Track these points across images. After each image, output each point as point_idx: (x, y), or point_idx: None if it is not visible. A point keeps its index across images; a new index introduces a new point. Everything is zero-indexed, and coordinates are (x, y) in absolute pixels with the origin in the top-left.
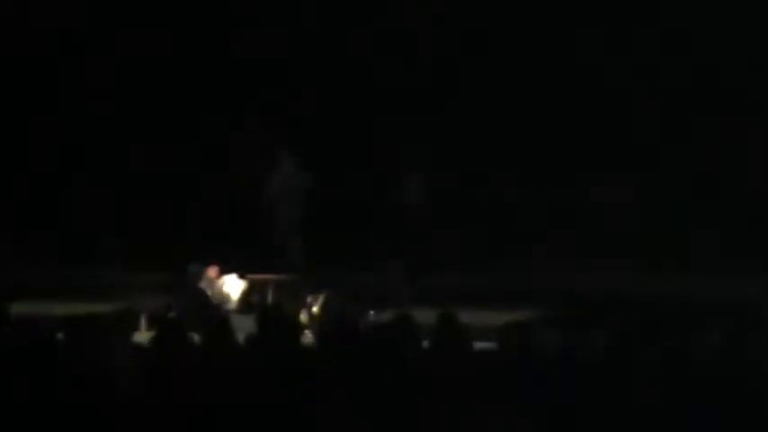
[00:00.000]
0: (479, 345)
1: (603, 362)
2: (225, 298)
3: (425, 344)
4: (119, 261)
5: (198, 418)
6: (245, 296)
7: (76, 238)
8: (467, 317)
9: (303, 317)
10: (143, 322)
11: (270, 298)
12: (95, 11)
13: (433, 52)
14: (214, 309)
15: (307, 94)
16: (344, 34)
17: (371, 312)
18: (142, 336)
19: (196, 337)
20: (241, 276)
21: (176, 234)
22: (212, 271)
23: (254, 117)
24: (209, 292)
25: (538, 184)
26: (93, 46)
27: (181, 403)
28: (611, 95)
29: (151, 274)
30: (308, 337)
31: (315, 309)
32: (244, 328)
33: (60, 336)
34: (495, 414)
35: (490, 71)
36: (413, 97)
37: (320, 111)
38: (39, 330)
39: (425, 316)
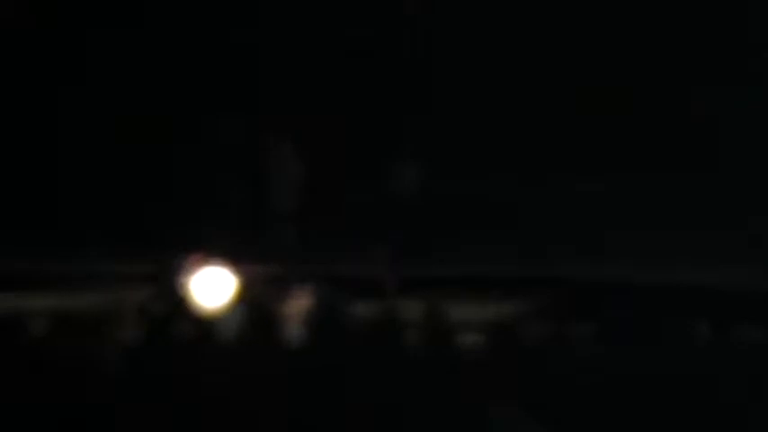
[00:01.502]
0: (466, 338)
1: (593, 353)
2: (210, 291)
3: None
4: (103, 251)
5: (184, 411)
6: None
7: (58, 228)
8: (453, 310)
9: (290, 310)
10: (129, 316)
11: (257, 290)
12: (96, 8)
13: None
14: (199, 303)
15: (299, 85)
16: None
17: (359, 306)
18: (127, 330)
19: (181, 331)
20: (228, 269)
21: (161, 223)
22: (197, 262)
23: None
24: (192, 285)
25: (525, 174)
26: (91, 43)
27: (167, 397)
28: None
29: (136, 265)
30: (294, 330)
31: (302, 302)
32: (230, 321)
33: (44, 330)
34: (483, 407)
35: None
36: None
37: (316, 100)
38: (21, 326)
39: (412, 309)
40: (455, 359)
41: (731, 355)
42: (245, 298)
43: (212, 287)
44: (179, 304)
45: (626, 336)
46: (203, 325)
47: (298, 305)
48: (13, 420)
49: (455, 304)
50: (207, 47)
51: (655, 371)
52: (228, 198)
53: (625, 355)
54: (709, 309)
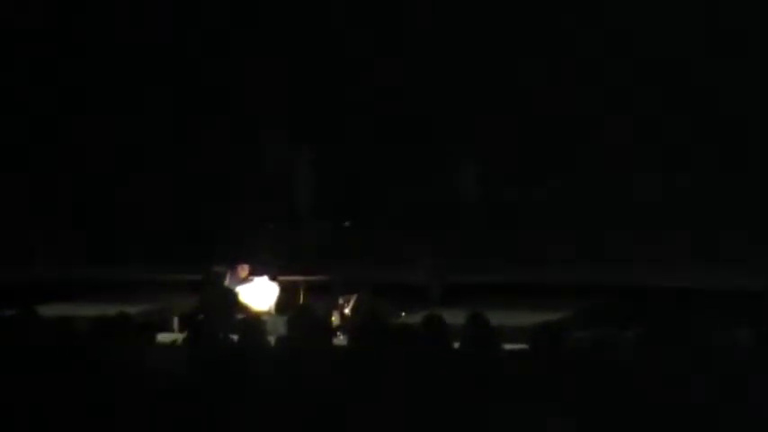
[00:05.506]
0: (510, 346)
1: (634, 360)
2: (257, 300)
3: (456, 345)
4: (148, 260)
5: (229, 418)
6: (279, 298)
7: (105, 239)
8: (497, 317)
9: (335, 318)
10: (175, 323)
11: (301, 299)
12: (99, 9)
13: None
14: (244, 309)
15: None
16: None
17: (403, 313)
18: (174, 337)
19: (227, 339)
20: (273, 278)
21: (207, 233)
22: (242, 270)
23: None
24: (239, 293)
25: (559, 181)
26: (96, 45)
27: (212, 404)
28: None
29: (181, 274)
30: (340, 338)
31: (347, 310)
32: (275, 329)
33: (93, 337)
34: (525, 416)
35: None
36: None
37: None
38: (71, 332)
39: (455, 316)
40: (495, 368)
41: None
42: (290, 305)
43: (257, 294)
44: (225, 311)
45: (661, 343)
46: (249, 330)
47: (342, 312)
48: (63, 419)
49: (499, 310)
50: (239, 61)
51: (690, 375)
52: (272, 208)
53: (661, 361)
54: (752, 313)
